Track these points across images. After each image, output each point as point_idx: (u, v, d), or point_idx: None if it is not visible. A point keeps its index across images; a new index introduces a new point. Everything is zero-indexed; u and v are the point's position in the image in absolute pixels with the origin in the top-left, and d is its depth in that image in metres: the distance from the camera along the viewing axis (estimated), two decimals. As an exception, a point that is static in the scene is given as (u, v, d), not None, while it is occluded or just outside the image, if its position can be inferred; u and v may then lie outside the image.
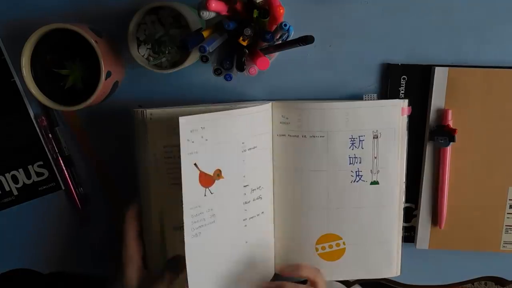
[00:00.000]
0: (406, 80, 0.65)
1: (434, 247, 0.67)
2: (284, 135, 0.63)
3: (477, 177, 0.66)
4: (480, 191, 0.66)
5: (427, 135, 0.65)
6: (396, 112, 0.62)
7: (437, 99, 0.64)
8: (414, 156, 0.66)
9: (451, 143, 0.64)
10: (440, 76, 0.63)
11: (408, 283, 0.70)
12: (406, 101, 0.63)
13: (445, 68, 0.63)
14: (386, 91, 0.65)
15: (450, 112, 0.64)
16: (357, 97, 0.66)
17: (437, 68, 0.63)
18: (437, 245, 0.67)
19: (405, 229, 0.68)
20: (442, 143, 0.64)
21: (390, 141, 0.62)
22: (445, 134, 0.64)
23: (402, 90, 0.65)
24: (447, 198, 0.66)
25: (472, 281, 0.70)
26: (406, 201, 0.67)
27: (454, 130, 0.63)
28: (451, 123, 0.64)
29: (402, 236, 0.65)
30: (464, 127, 0.64)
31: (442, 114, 0.64)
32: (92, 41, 0.57)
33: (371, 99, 0.66)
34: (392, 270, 0.65)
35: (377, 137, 0.62)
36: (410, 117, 0.64)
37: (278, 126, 0.63)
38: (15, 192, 0.70)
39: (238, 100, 0.67)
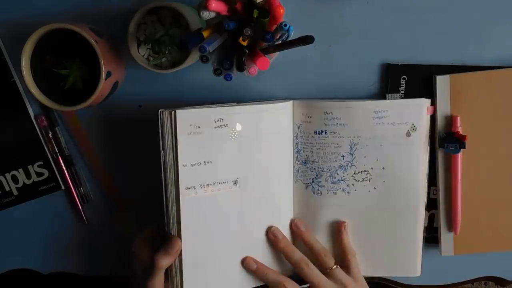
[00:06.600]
0: (406, 80, 0.65)
1: (459, 253, 0.66)
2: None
3: (490, 181, 0.65)
4: (493, 194, 0.65)
5: (437, 141, 0.64)
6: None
7: (443, 107, 0.64)
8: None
9: (461, 149, 0.63)
10: (442, 85, 0.63)
11: (408, 283, 0.70)
12: (429, 100, 0.63)
13: (446, 76, 0.63)
14: (386, 91, 0.65)
15: (458, 119, 0.63)
16: (357, 97, 0.66)
17: (438, 77, 0.63)
18: (462, 250, 0.66)
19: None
20: (453, 150, 0.63)
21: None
22: (455, 141, 0.63)
23: (402, 90, 0.65)
24: (461, 203, 0.65)
25: (472, 281, 0.70)
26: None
27: (464, 137, 0.62)
28: (460, 129, 0.63)
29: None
30: (474, 132, 0.63)
31: (450, 121, 0.64)
32: (92, 41, 0.57)
33: (394, 99, 0.65)
34: (414, 269, 0.65)
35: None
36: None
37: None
38: (15, 192, 0.70)
39: (238, 100, 0.67)
